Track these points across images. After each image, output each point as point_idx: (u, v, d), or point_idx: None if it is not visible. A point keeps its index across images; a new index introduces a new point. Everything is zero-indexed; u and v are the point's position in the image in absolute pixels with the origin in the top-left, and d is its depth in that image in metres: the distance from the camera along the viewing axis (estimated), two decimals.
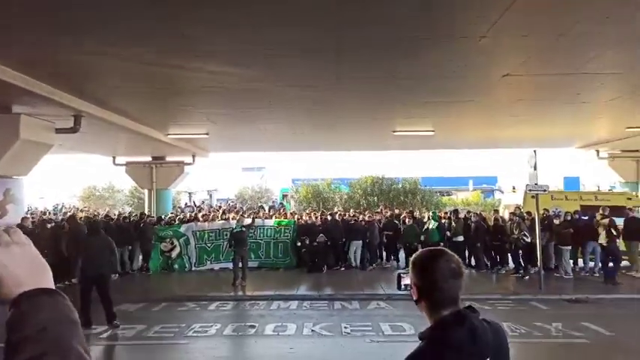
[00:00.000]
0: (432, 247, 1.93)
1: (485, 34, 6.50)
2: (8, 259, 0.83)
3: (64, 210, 25.48)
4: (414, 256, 1.88)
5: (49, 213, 21.76)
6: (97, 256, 8.35)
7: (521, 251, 13.00)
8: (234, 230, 12.68)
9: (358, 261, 14.29)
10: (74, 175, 35.17)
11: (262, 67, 7.94)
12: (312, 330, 8.09)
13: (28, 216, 14.44)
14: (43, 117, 10.99)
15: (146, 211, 19.23)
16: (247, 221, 14.01)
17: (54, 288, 0.86)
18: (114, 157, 20.81)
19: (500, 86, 9.39)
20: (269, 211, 20.90)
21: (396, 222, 15.46)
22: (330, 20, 6.06)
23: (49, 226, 12.69)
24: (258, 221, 15.23)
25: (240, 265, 12.17)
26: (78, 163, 30.51)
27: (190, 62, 7.63)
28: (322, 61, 7.76)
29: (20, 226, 11.25)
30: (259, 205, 28.14)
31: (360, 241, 14.26)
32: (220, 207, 25.20)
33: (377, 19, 6.07)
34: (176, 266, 14.19)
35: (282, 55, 7.34)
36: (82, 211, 23.44)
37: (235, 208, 24.67)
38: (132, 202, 31.33)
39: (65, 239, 12.05)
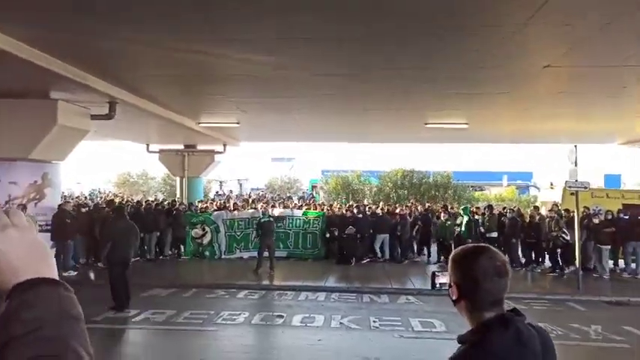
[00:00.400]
0: (475, 244, 1.78)
1: (527, 22, 6.20)
2: (4, 243, 0.73)
3: (100, 195, 26.18)
4: (454, 252, 1.74)
5: (86, 198, 22.41)
6: (122, 241, 8.50)
7: (559, 250, 12.54)
8: (262, 220, 12.71)
9: (387, 254, 14.14)
10: (110, 162, 36.13)
11: (289, 55, 7.85)
12: (341, 322, 8.02)
13: (70, 200, 14.91)
14: (79, 103, 11.23)
15: (177, 199, 19.55)
16: (275, 212, 14.03)
17: (56, 278, 0.76)
18: (147, 145, 21.21)
19: (539, 78, 9.02)
20: (299, 201, 20.91)
21: (430, 216, 15.23)
22: (360, 7, 5.89)
23: (83, 210, 13.01)
24: (287, 211, 15.24)
25: (266, 254, 12.18)
26: (113, 149, 31.31)
27: (219, 49, 7.60)
28: (350, 50, 7.61)
29: (62, 209, 11.61)
30: (288, 195, 28.22)
31: (387, 235, 14.08)
32: (250, 196, 25.42)
33: (409, 6, 5.86)
34: (207, 253, 14.37)
35: (310, 43, 7.22)
36: (116, 196, 24.04)
37: (265, 197, 24.83)
38: (164, 189, 31.98)
39: (99, 224, 12.34)
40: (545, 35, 6.82)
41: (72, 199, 18.53)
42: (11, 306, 0.69)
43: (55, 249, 11.47)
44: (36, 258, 0.76)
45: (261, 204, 16.74)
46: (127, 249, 8.58)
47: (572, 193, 11.03)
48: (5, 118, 10.51)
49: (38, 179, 11.58)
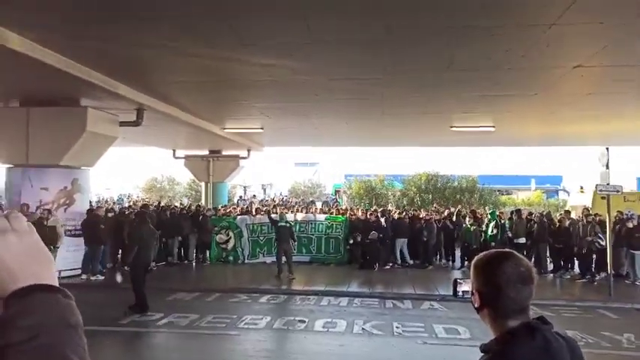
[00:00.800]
0: (498, 249, 1.71)
1: (556, 20, 6.05)
2: (3, 248, 0.71)
3: (127, 200, 26.72)
4: (476, 258, 1.67)
5: (114, 203, 22.90)
6: (147, 245, 8.74)
7: (594, 256, 12.15)
8: (279, 225, 12.71)
9: (407, 258, 13.99)
10: (138, 167, 36.91)
11: (311, 59, 7.86)
12: (363, 328, 7.93)
13: (103, 205, 15.21)
14: (108, 110, 11.50)
15: (202, 203, 19.76)
16: (298, 216, 14.04)
17: (55, 285, 0.74)
18: (174, 151, 21.59)
19: (569, 79, 8.80)
20: (322, 206, 20.86)
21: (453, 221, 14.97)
22: (381, 6, 5.83)
23: (110, 215, 13.26)
24: (309, 216, 15.22)
25: (284, 260, 12.17)
26: (143, 155, 31.96)
27: (243, 55, 7.67)
28: (371, 53, 7.56)
29: (94, 214, 11.87)
30: (310, 200, 28.23)
31: (405, 239, 13.99)
32: (274, 200, 25.53)
33: (431, 4, 5.79)
34: (230, 258, 14.47)
35: (331, 46, 7.21)
36: (144, 201, 24.49)
37: (289, 202, 24.88)
38: (190, 194, 32.45)
39: (127, 227, 12.56)
40: (576, 34, 6.64)
41: (102, 204, 18.96)
42: (8, 313, 0.68)
43: (86, 253, 11.74)
44: (35, 263, 0.74)
45: (279, 209, 16.73)
46: (149, 253, 8.84)
47: (603, 197, 10.68)
48: (37, 126, 10.85)
49: (68, 185, 11.87)
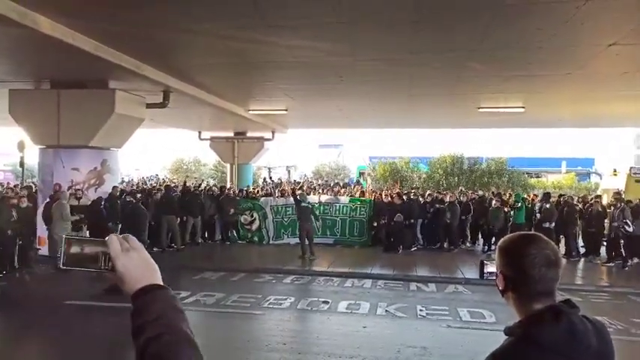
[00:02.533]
0: (524, 232, 1.67)
1: None
2: (129, 262, 1.04)
3: (162, 181, 27.13)
4: (502, 240, 1.64)
5: (137, 185, 23.32)
6: (134, 224, 9.36)
7: (622, 241, 11.82)
8: (301, 205, 12.76)
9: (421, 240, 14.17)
10: (165, 149, 37.49)
11: (337, 40, 7.75)
12: (387, 310, 7.96)
13: (117, 185, 15.44)
14: (135, 92, 11.67)
15: (228, 185, 19.96)
16: (322, 198, 14.05)
17: (162, 284, 1.06)
18: (199, 132, 21.82)
19: (603, 57, 8.46)
20: (345, 188, 20.83)
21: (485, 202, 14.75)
22: None
23: (138, 196, 13.50)
24: (333, 198, 15.22)
25: (306, 240, 12.25)
26: (170, 137, 32.36)
27: (268, 37, 7.62)
28: (399, 32, 7.39)
29: (111, 194, 12.11)
30: (335, 182, 28.17)
31: (420, 220, 14.09)
32: (299, 182, 25.56)
33: None
34: (255, 239, 14.65)
35: (357, 26, 7.08)
36: (172, 181, 24.87)
37: (312, 184, 24.87)
38: (216, 175, 32.82)
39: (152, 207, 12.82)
40: (611, 10, 6.35)
41: (129, 184, 19.31)
42: (140, 302, 1.01)
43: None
44: (148, 271, 1.06)
45: (300, 190, 16.71)
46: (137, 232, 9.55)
47: (637, 181, 10.36)
48: (67, 108, 11.13)
49: (98, 166, 12.16)
